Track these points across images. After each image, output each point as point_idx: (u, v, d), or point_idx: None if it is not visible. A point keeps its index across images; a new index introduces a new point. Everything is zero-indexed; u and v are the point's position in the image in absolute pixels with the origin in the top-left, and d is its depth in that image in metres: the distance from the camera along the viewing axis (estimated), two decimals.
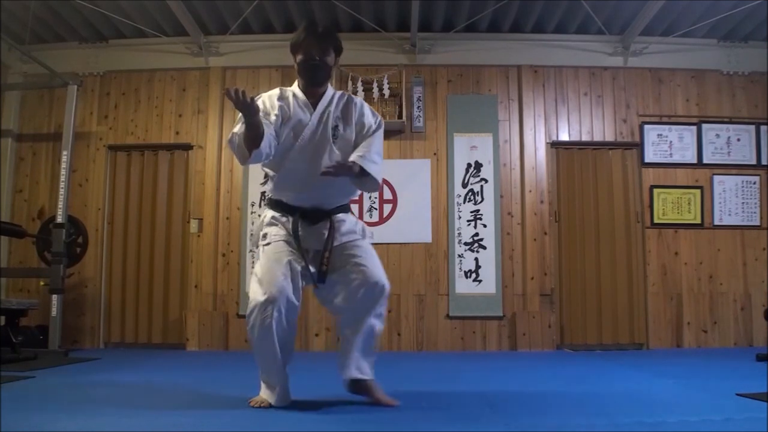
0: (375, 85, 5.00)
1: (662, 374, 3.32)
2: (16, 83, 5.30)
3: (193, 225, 5.13)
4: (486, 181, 5.08)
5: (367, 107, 2.41)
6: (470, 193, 5.06)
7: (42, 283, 4.67)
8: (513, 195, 5.09)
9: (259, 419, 2.07)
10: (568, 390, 2.81)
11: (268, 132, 2.16)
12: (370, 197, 5.04)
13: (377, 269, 2.25)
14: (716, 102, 5.24)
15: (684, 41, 5.18)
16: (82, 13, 4.97)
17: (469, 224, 5.02)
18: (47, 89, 5.26)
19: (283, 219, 2.30)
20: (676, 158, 5.16)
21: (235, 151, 2.20)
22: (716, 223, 5.10)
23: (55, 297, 4.32)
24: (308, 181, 2.27)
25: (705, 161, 5.15)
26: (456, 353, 4.77)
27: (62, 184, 4.54)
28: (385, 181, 5.03)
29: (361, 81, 5.05)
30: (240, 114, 2.11)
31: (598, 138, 5.19)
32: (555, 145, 5.22)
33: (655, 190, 5.11)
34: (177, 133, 5.25)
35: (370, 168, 2.24)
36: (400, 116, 5.03)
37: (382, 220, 5.04)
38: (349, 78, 5.09)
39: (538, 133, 5.17)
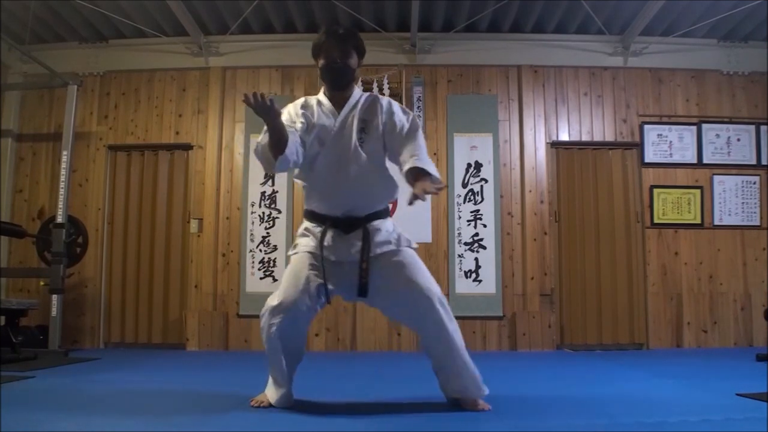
0: (375, 85, 5.00)
1: (662, 374, 3.32)
2: (16, 83, 5.30)
3: (193, 225, 5.13)
4: (486, 181, 5.08)
5: (396, 105, 2.31)
6: (470, 193, 5.06)
7: (42, 283, 4.67)
8: (513, 195, 5.09)
9: (259, 419, 2.07)
10: (568, 390, 2.81)
11: (294, 139, 2.13)
12: None
13: (422, 278, 2.15)
14: (716, 102, 5.24)
15: (684, 41, 5.18)
16: (82, 13, 4.97)
17: (469, 224, 5.02)
18: (47, 89, 5.26)
19: (316, 230, 2.25)
20: (676, 158, 5.16)
21: (261, 159, 2.17)
22: (716, 223, 5.10)
23: (55, 297, 4.32)
24: (337, 189, 2.22)
25: (705, 161, 5.15)
26: None
27: (62, 184, 4.54)
28: None
29: (361, 81, 5.04)
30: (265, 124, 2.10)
31: (598, 138, 5.19)
32: (555, 145, 5.22)
33: (655, 190, 5.11)
34: (177, 133, 5.25)
35: (431, 169, 2.12)
36: None
37: None
38: None
39: (538, 133, 5.16)
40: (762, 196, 5.12)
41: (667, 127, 5.19)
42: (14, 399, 2.43)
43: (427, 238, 4.96)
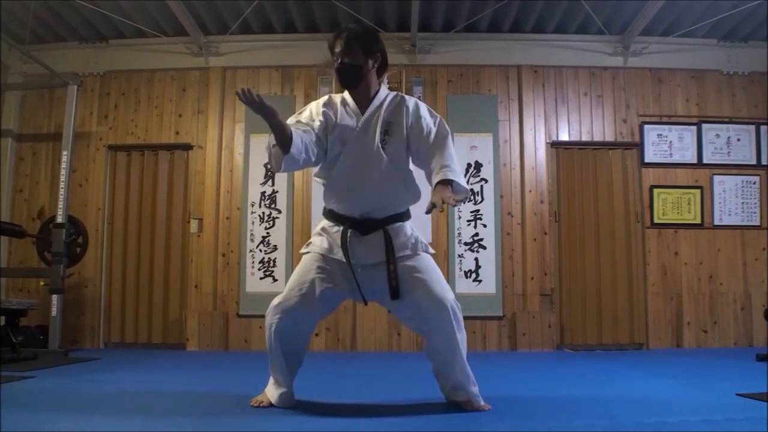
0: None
1: (662, 374, 3.32)
2: (16, 83, 5.30)
3: (193, 225, 5.13)
4: (486, 181, 5.08)
5: (423, 108, 2.25)
6: (470, 193, 5.06)
7: (42, 283, 4.66)
8: (513, 195, 5.09)
9: (259, 419, 2.07)
10: (568, 390, 2.81)
11: (304, 138, 2.10)
12: None
13: (436, 285, 2.12)
14: (716, 102, 5.24)
15: (684, 41, 5.18)
16: (82, 13, 4.96)
17: (469, 224, 5.02)
18: (47, 89, 5.26)
19: (333, 229, 2.23)
20: (676, 158, 5.16)
21: (270, 157, 2.16)
22: (716, 223, 5.10)
23: (55, 297, 4.32)
24: (356, 190, 2.20)
25: (705, 161, 5.15)
26: None
27: (62, 184, 4.54)
28: None
29: None
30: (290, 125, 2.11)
31: (598, 138, 5.19)
32: (555, 145, 5.22)
33: (655, 190, 5.11)
34: (177, 133, 5.25)
35: (460, 179, 2.08)
36: None
37: None
38: None
39: (538, 133, 5.16)
40: (762, 196, 5.12)
41: (667, 127, 5.18)
42: (14, 399, 2.43)
43: (427, 238, 4.96)
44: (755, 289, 5.03)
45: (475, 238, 5.00)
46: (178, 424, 2.00)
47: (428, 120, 2.21)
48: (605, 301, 5.03)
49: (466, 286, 4.93)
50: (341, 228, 2.21)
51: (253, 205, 5.09)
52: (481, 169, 5.09)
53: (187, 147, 5.27)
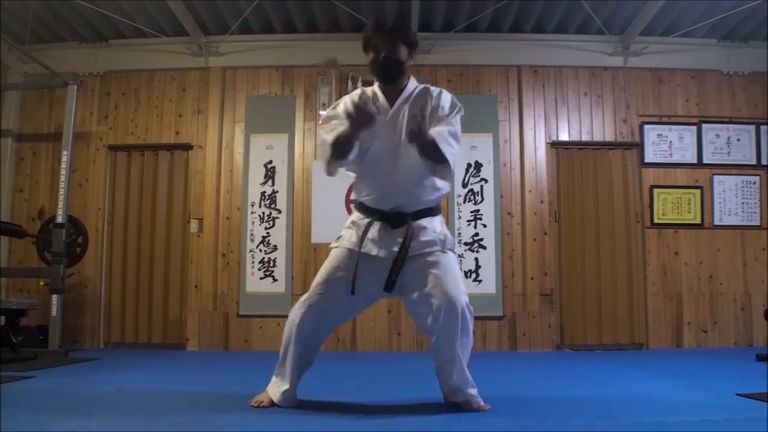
0: (375, 85, 4.98)
1: (662, 374, 3.32)
2: (16, 83, 5.30)
3: (193, 225, 5.13)
4: (486, 181, 5.08)
5: (446, 97, 2.26)
6: (470, 193, 5.06)
7: (42, 283, 4.67)
8: (513, 195, 5.09)
9: (259, 420, 2.07)
10: (568, 390, 2.81)
11: (356, 150, 2.16)
12: None
13: (453, 287, 2.11)
14: (716, 102, 5.24)
15: (684, 41, 5.18)
16: (82, 13, 4.97)
17: (469, 224, 5.02)
18: (47, 89, 5.26)
19: (362, 222, 2.23)
20: (676, 158, 5.16)
21: (324, 157, 2.17)
22: (716, 223, 5.10)
23: (55, 297, 4.32)
24: (385, 183, 2.21)
25: (705, 161, 5.15)
26: None
27: (62, 184, 4.54)
28: None
29: (362, 81, 5.04)
30: (328, 120, 2.17)
31: (598, 138, 5.19)
32: (555, 145, 5.22)
33: (655, 190, 5.11)
34: (177, 133, 5.25)
35: (443, 145, 2.09)
36: None
37: None
38: (349, 78, 5.09)
39: (538, 133, 5.17)
40: (762, 196, 5.12)
41: (667, 127, 5.19)
42: (14, 399, 2.43)
43: None
44: (755, 289, 5.03)
45: (475, 238, 5.00)
46: (178, 424, 2.00)
47: (446, 109, 2.23)
48: (605, 301, 5.04)
49: (466, 286, 4.91)
50: (370, 220, 2.22)
51: (253, 205, 5.09)
52: (481, 169, 5.09)
53: (187, 147, 5.27)
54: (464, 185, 5.07)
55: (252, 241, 5.04)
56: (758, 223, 5.11)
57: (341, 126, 2.16)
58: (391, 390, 2.82)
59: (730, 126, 5.20)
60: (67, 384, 2.92)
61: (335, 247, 2.27)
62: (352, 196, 2.34)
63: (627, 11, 4.88)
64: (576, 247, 5.12)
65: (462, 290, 2.15)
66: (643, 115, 5.21)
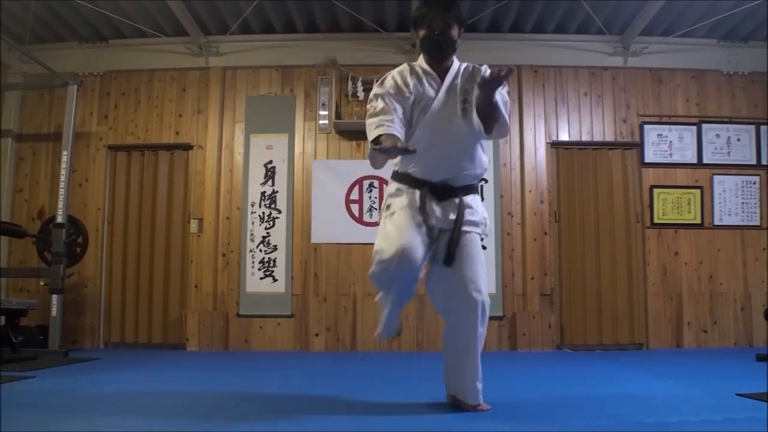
0: (375, 85, 4.98)
1: (662, 374, 3.32)
2: (16, 83, 5.30)
3: (193, 225, 5.13)
4: (486, 181, 5.00)
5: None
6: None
7: (42, 283, 4.67)
8: (513, 195, 5.09)
9: (259, 420, 2.07)
10: (568, 390, 2.81)
11: (399, 128, 2.14)
12: (370, 197, 5.04)
13: (477, 274, 2.15)
14: (716, 102, 5.24)
15: (684, 41, 5.17)
16: (82, 13, 4.96)
17: None
18: (47, 89, 5.26)
19: (409, 191, 2.23)
20: (676, 158, 5.16)
21: (372, 159, 2.16)
22: (716, 223, 5.10)
23: (55, 297, 4.32)
24: (437, 156, 2.21)
25: (705, 161, 5.15)
26: None
27: (62, 184, 4.54)
28: (385, 181, 5.00)
29: (362, 81, 5.04)
30: (376, 99, 2.20)
31: (598, 138, 5.19)
32: (555, 145, 5.22)
33: (655, 190, 5.11)
34: (177, 133, 5.25)
35: (501, 106, 2.13)
36: None
37: None
38: (349, 78, 5.09)
39: (538, 133, 5.17)
40: (762, 196, 5.12)
41: (667, 127, 5.19)
42: (14, 399, 2.43)
43: None
44: (755, 289, 5.03)
45: None
46: (178, 424, 2.00)
47: None
48: (605, 301, 5.03)
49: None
50: (419, 191, 2.21)
51: (253, 205, 5.09)
52: None
53: (187, 147, 5.27)
54: None
55: (252, 241, 5.04)
56: (758, 223, 5.11)
57: (386, 123, 2.13)
58: (391, 390, 2.82)
59: (730, 126, 5.20)
60: (67, 384, 2.92)
61: (391, 214, 2.22)
62: (395, 167, 2.32)
63: (627, 11, 4.88)
64: (576, 247, 5.12)
65: (483, 280, 2.17)
66: (643, 115, 5.21)
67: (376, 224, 4.97)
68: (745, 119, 5.21)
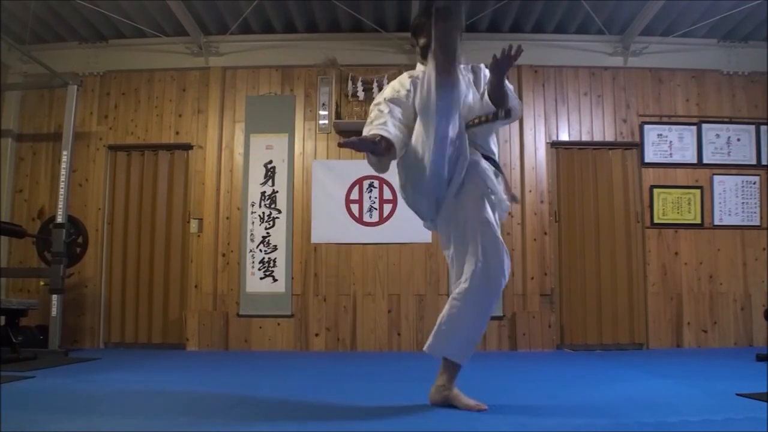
0: (375, 85, 5.00)
1: (662, 374, 3.32)
2: (16, 83, 5.30)
3: (193, 225, 5.14)
4: None
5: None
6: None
7: (42, 283, 4.67)
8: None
9: (259, 420, 2.07)
10: (568, 390, 2.80)
11: (400, 135, 2.13)
12: (370, 197, 5.04)
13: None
14: (716, 102, 5.24)
15: (684, 41, 5.18)
16: (82, 13, 4.97)
17: None
18: (47, 89, 5.26)
19: None
20: (676, 158, 5.16)
21: (372, 165, 2.18)
22: (716, 223, 5.10)
23: (55, 297, 4.32)
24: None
25: (705, 161, 5.15)
26: None
27: (62, 184, 4.54)
28: (385, 181, 5.03)
29: (362, 81, 5.04)
30: (373, 109, 2.18)
31: (598, 138, 5.19)
32: (555, 145, 5.22)
33: (655, 190, 5.11)
34: (177, 133, 5.25)
35: (509, 88, 2.25)
36: None
37: (382, 220, 5.05)
38: (349, 78, 5.09)
39: (538, 133, 5.17)
40: (762, 196, 5.12)
41: (667, 127, 5.19)
42: (14, 399, 2.43)
43: (427, 238, 4.96)
44: (755, 289, 5.04)
45: None
46: (178, 424, 2.00)
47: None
48: (605, 301, 5.04)
49: None
50: None
51: (253, 205, 5.09)
52: None
53: (187, 147, 5.27)
54: None
55: (252, 241, 5.04)
56: (758, 223, 5.11)
57: (377, 127, 2.13)
58: (391, 390, 2.82)
59: (730, 126, 5.20)
60: (67, 384, 2.92)
61: None
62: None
63: (627, 11, 4.88)
64: (576, 247, 5.12)
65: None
66: (643, 115, 5.21)
67: (376, 224, 5.02)
68: (745, 119, 5.21)
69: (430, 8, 2.27)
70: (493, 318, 4.90)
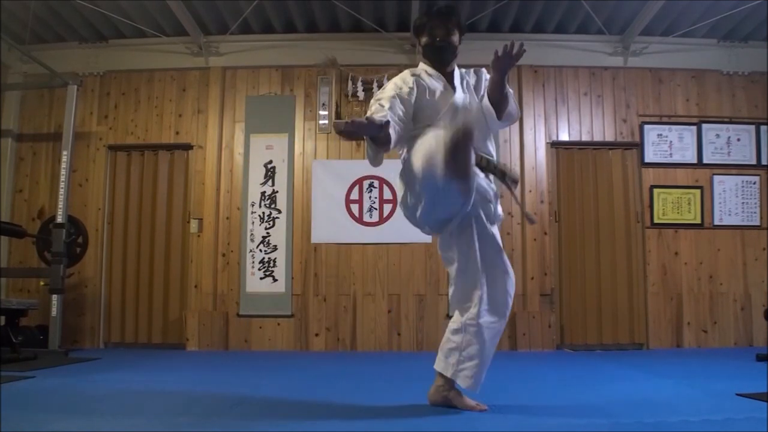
0: (375, 85, 4.99)
1: (662, 374, 3.32)
2: (16, 83, 5.30)
3: (193, 225, 5.13)
4: None
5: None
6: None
7: (42, 283, 4.67)
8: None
9: (259, 420, 2.07)
10: (568, 390, 2.81)
11: (396, 133, 2.14)
12: (370, 197, 5.04)
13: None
14: (716, 102, 5.24)
15: (684, 41, 5.17)
16: (82, 13, 4.96)
17: None
18: (47, 89, 5.26)
19: None
20: (676, 158, 5.16)
21: (368, 155, 2.19)
22: (716, 223, 5.10)
23: (55, 297, 4.32)
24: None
25: (705, 161, 5.15)
26: None
27: (62, 184, 4.54)
28: (385, 181, 5.03)
29: (362, 81, 5.04)
30: (373, 104, 2.17)
31: (598, 138, 5.19)
32: (555, 145, 5.22)
33: (655, 190, 5.11)
34: (177, 133, 5.25)
35: (509, 92, 2.29)
36: None
37: (382, 220, 5.04)
38: (349, 78, 5.09)
39: (538, 133, 5.17)
40: (762, 196, 5.12)
41: (667, 127, 5.18)
42: (14, 399, 2.43)
43: (427, 238, 4.93)
44: (755, 289, 5.03)
45: None
46: (178, 424, 2.00)
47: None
48: (605, 301, 5.03)
49: None
50: None
51: (253, 205, 5.09)
52: None
53: (187, 147, 5.27)
54: None
55: (252, 241, 5.04)
56: (758, 223, 5.11)
57: (379, 115, 2.12)
58: (391, 390, 2.82)
59: (730, 126, 5.20)
60: (67, 384, 2.92)
61: None
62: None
63: (627, 11, 4.88)
64: (576, 247, 5.12)
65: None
66: (643, 115, 5.21)
67: (375, 224, 5.02)
68: (745, 119, 5.21)
69: (430, 8, 2.29)
70: None
